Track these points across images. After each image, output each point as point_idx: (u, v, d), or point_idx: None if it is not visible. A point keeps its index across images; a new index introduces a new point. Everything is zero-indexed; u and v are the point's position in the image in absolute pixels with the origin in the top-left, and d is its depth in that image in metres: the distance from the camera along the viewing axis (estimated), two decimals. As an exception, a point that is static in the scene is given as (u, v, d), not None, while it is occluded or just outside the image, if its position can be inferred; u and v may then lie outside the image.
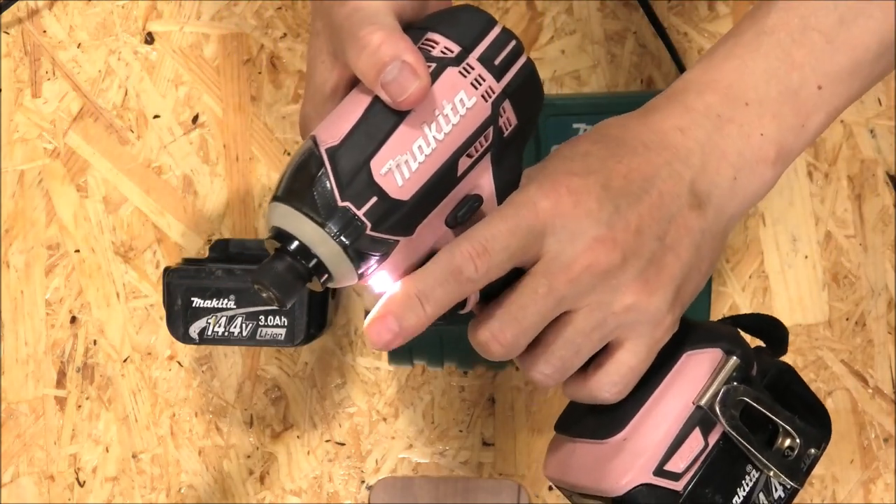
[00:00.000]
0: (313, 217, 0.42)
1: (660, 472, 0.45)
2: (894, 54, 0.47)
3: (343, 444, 0.74)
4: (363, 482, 0.74)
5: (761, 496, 0.46)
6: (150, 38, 0.76)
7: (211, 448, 0.75)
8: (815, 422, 0.47)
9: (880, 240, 0.73)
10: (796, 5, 0.46)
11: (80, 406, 0.75)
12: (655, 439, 0.45)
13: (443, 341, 0.67)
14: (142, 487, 0.75)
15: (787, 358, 0.73)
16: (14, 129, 0.76)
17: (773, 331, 0.53)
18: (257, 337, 0.66)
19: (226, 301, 0.65)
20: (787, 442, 0.46)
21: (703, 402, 0.46)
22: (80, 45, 0.76)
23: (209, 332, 0.66)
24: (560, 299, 0.44)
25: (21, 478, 0.75)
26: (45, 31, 0.76)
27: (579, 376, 0.47)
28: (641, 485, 0.45)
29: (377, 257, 0.43)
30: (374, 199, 0.42)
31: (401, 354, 0.67)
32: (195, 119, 0.75)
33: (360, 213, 0.42)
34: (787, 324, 0.73)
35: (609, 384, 0.46)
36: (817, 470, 0.73)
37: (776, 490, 0.46)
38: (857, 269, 0.73)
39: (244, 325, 0.66)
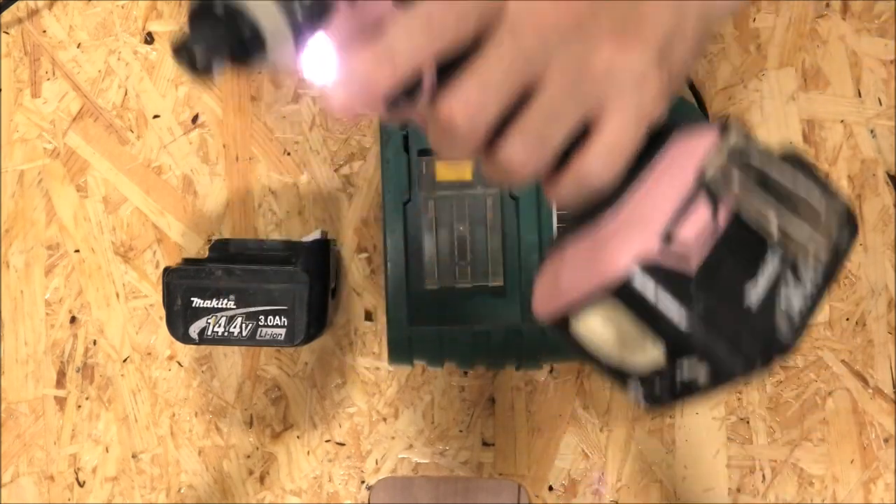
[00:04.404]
0: None
1: (667, 238, 0.38)
2: None
3: (343, 444, 0.74)
4: (363, 482, 0.74)
5: (789, 276, 0.40)
6: (149, 38, 0.76)
7: (211, 448, 0.74)
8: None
9: (880, 240, 0.73)
10: None
11: (79, 406, 0.75)
12: (657, 206, 0.39)
13: (443, 341, 0.67)
14: (142, 487, 0.75)
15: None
16: (14, 129, 0.76)
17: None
18: (257, 337, 0.66)
19: (226, 301, 0.65)
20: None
21: (707, 174, 0.39)
22: (79, 45, 0.76)
23: (209, 332, 0.66)
24: (528, 57, 0.39)
25: (21, 478, 0.75)
26: (45, 31, 0.76)
27: (564, 168, 0.42)
28: (646, 263, 0.37)
29: (316, 22, 0.38)
30: None
31: (401, 354, 0.67)
32: (195, 119, 0.75)
33: None
34: (787, 324, 0.73)
35: (597, 160, 0.40)
36: (817, 470, 0.73)
37: (808, 270, 0.39)
38: (857, 269, 0.73)
39: (244, 325, 0.66)
